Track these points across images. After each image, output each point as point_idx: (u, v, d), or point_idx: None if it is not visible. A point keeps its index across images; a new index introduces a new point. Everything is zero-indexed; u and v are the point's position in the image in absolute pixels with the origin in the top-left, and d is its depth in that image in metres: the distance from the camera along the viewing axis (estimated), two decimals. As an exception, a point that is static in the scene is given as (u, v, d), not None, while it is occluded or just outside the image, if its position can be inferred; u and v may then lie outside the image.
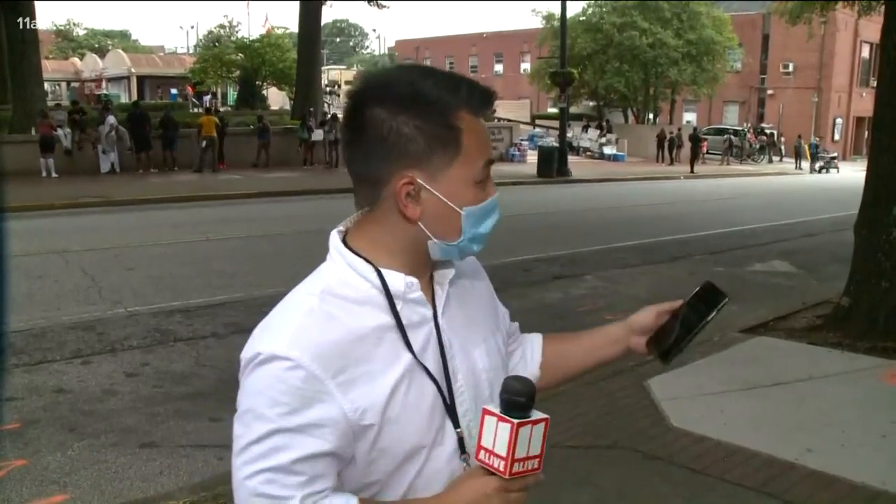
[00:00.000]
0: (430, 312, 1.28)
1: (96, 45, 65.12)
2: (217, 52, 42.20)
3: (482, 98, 1.25)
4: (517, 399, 1.14)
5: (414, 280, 1.26)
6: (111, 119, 20.81)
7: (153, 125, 22.01)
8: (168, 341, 6.68)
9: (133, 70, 52.07)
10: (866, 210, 7.12)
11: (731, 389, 5.61)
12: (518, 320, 1.60)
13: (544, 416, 1.15)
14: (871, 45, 50.97)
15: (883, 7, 7.85)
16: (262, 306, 6.56)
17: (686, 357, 6.48)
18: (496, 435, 1.14)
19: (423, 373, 1.25)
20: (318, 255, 1.30)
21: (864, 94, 51.50)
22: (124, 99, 45.16)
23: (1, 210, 5.76)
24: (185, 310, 7.68)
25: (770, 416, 5.12)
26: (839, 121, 49.76)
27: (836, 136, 49.00)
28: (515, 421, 1.12)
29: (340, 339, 1.18)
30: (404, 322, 1.24)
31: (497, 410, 1.15)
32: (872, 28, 48.39)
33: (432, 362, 1.26)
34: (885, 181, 6.92)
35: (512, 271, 10.19)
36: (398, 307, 1.24)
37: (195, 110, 38.46)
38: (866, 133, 52.64)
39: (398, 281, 1.24)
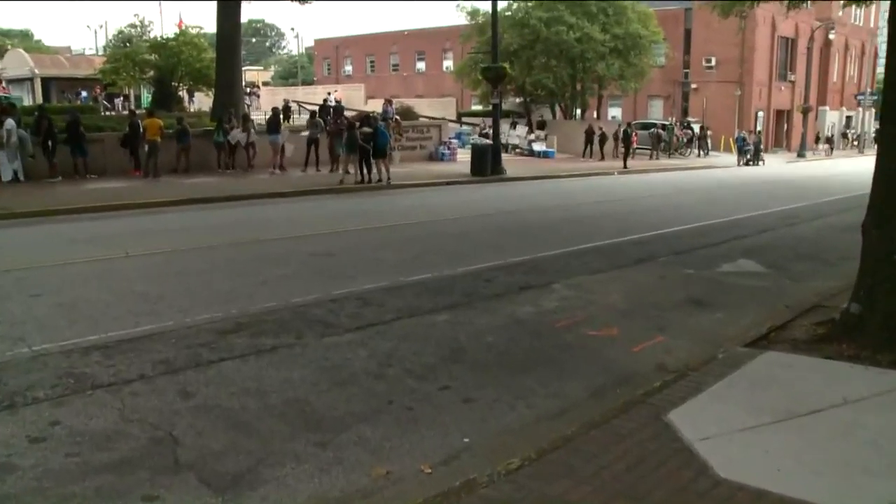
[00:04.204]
0: None
1: (-7, 45, 61.16)
2: (129, 51, 39.88)
3: None
4: None
5: None
6: (9, 123, 18.98)
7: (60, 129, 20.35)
8: (84, 389, 5.41)
9: (37, 71, 48.86)
10: (877, 208, 6.47)
11: (765, 422, 4.80)
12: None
13: None
14: (788, 40, 52.11)
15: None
16: (197, 337, 5.13)
17: (700, 380, 5.68)
18: None
19: None
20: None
21: (782, 88, 52.58)
22: (28, 101, 42.33)
23: None
24: (104, 346, 6.39)
25: (824, 457, 4.32)
26: (760, 114, 50.57)
27: (759, 129, 49.79)
28: None
29: None
30: None
31: None
32: (789, 24, 49.50)
33: None
34: (899, 176, 6.26)
35: (472, 282, 9.28)
36: None
37: (107, 113, 36.34)
38: (785, 126, 53.88)
39: None
